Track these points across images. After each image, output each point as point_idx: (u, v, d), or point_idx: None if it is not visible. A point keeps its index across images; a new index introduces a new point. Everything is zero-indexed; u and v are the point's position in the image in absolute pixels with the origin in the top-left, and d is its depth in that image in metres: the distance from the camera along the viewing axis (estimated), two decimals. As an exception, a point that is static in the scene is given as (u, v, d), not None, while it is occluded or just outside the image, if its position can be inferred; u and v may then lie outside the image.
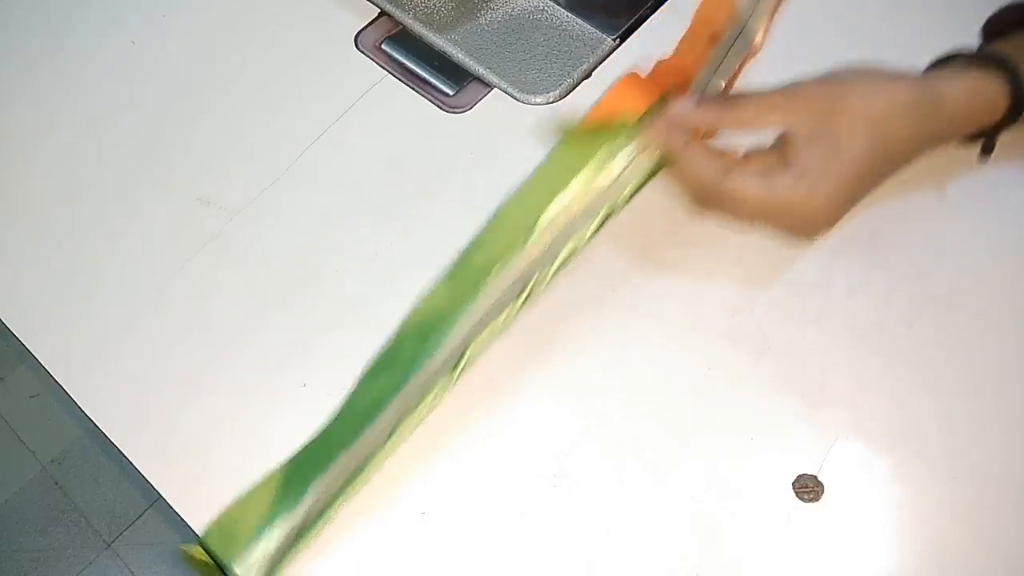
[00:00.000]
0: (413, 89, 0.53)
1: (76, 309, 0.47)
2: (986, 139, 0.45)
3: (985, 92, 0.42)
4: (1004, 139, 0.46)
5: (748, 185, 0.38)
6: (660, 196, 0.47)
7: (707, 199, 0.39)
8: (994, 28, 0.46)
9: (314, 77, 0.53)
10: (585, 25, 0.54)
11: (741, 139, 0.41)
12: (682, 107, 0.40)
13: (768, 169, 0.39)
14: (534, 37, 0.54)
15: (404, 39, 0.55)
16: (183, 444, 0.43)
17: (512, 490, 0.41)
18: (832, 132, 0.39)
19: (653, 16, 0.53)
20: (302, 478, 0.39)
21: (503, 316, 0.42)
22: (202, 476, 0.42)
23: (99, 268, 0.48)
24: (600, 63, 0.52)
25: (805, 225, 0.40)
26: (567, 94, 0.51)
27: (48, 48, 0.56)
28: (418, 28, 0.54)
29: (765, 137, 0.40)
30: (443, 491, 0.41)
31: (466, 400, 0.43)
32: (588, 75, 0.52)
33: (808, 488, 0.40)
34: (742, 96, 0.40)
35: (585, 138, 0.40)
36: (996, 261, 0.45)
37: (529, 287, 0.42)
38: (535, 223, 0.40)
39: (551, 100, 0.51)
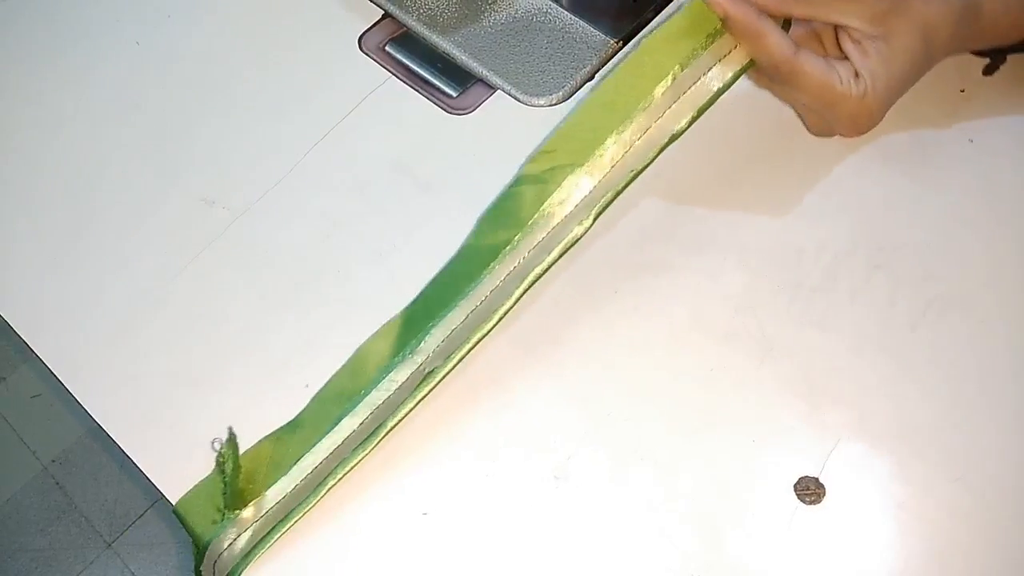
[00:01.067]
0: (417, 91, 0.53)
1: (79, 308, 0.48)
2: (992, 58, 0.47)
3: (1020, 8, 0.43)
4: (1005, 139, 0.46)
5: (815, 67, 0.41)
6: (664, 198, 0.48)
7: (777, 73, 0.42)
8: None
9: (317, 79, 0.54)
10: (588, 27, 0.54)
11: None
12: None
13: (830, 59, 0.42)
14: (537, 39, 0.54)
15: (407, 41, 0.55)
16: (186, 444, 0.43)
17: (514, 491, 0.41)
18: (891, 34, 0.41)
19: (656, 19, 0.54)
20: (287, 455, 0.39)
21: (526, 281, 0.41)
22: (204, 476, 0.42)
23: (103, 267, 0.49)
24: (603, 65, 0.52)
25: (852, 121, 0.43)
26: (570, 96, 0.52)
27: (52, 49, 0.57)
28: (421, 30, 0.55)
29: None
30: (444, 491, 0.41)
31: (467, 400, 0.43)
32: (591, 77, 0.52)
33: (810, 490, 0.40)
34: None
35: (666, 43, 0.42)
36: (1000, 264, 0.45)
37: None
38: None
39: (554, 102, 0.51)
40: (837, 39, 0.43)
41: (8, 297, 0.48)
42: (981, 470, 0.40)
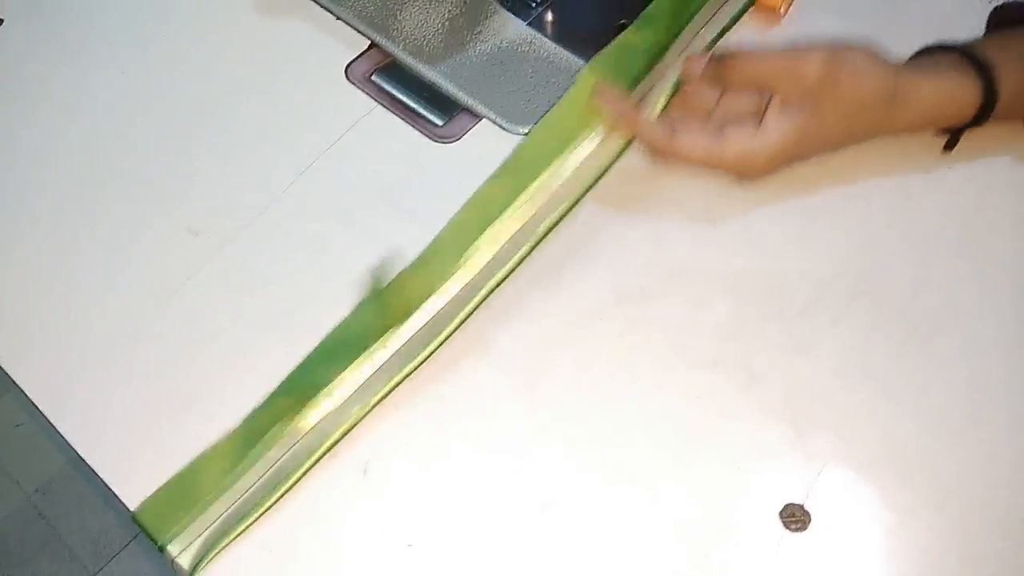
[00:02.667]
0: (403, 120, 0.53)
1: (63, 337, 0.47)
2: (952, 135, 0.47)
3: (958, 94, 0.44)
4: (984, 166, 0.47)
5: (694, 148, 0.44)
6: (649, 224, 0.48)
7: (657, 156, 0.46)
8: (998, 18, 0.48)
9: (304, 108, 0.54)
10: (572, 56, 0.55)
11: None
12: (691, 63, 0.45)
13: (719, 127, 0.44)
14: (522, 68, 0.54)
15: (394, 70, 0.55)
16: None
17: (500, 519, 0.41)
18: (818, 104, 0.43)
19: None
20: (243, 455, 0.40)
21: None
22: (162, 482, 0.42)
23: (87, 297, 0.48)
24: (587, 94, 0.53)
25: (746, 174, 0.46)
26: (555, 125, 0.52)
27: (40, 77, 0.57)
28: (408, 60, 0.55)
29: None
30: (430, 522, 0.41)
31: (452, 429, 0.43)
32: (575, 106, 0.53)
33: (795, 517, 0.40)
34: (745, 54, 0.44)
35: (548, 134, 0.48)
36: (981, 292, 0.45)
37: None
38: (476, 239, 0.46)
39: (539, 131, 0.52)
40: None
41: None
42: (966, 495, 0.40)
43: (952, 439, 0.42)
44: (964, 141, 0.47)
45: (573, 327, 0.45)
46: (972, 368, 0.43)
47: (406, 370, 0.43)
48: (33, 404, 0.45)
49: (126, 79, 0.56)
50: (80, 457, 0.44)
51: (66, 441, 0.44)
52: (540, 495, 0.41)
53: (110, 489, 0.43)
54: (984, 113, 0.44)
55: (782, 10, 0.53)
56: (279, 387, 0.44)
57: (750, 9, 0.54)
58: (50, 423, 0.45)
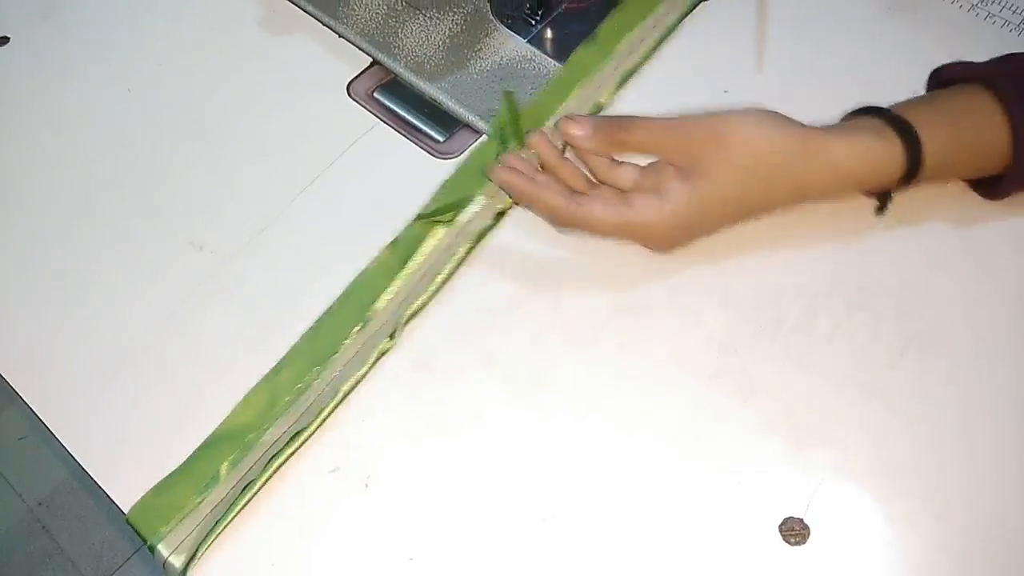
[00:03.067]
0: (404, 136, 0.54)
1: (66, 351, 0.48)
2: (880, 198, 0.46)
3: (880, 156, 0.43)
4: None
5: (596, 211, 0.43)
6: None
7: (562, 222, 0.45)
8: (937, 79, 0.48)
9: (307, 124, 0.55)
10: (572, 73, 0.55)
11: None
12: (575, 127, 0.44)
13: (624, 194, 0.44)
14: (522, 86, 0.55)
15: (395, 87, 0.56)
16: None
17: (501, 532, 0.41)
18: (709, 169, 0.42)
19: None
20: (223, 454, 0.43)
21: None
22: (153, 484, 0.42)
23: (90, 310, 0.49)
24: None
25: (656, 242, 0.45)
26: (554, 140, 0.53)
27: (46, 94, 0.57)
28: (409, 77, 0.56)
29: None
30: (431, 535, 0.41)
31: (452, 442, 0.43)
32: (575, 122, 0.53)
33: (794, 531, 0.40)
34: (630, 121, 0.43)
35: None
36: (975, 303, 0.45)
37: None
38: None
39: (539, 146, 0.52)
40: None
41: (-4, 341, 0.49)
42: (965, 507, 0.40)
43: (950, 450, 0.42)
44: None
45: (573, 341, 0.46)
46: (967, 380, 0.43)
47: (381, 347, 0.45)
48: (37, 416, 0.46)
49: (132, 96, 0.57)
50: (83, 469, 0.44)
51: (69, 452, 0.45)
52: (542, 508, 0.42)
53: (113, 502, 0.43)
54: (909, 176, 0.43)
55: None
56: (259, 383, 0.45)
57: None
58: (53, 435, 0.45)
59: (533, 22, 0.58)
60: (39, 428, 0.46)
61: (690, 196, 0.42)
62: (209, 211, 0.52)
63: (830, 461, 0.42)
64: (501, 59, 0.57)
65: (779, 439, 0.42)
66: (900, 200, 0.48)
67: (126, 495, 0.43)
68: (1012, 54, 0.46)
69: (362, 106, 0.55)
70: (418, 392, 0.45)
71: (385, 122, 0.54)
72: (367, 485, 0.42)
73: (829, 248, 0.47)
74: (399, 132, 0.54)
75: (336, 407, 0.44)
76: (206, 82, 0.57)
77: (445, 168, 0.52)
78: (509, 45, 0.57)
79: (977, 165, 0.45)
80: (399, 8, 0.59)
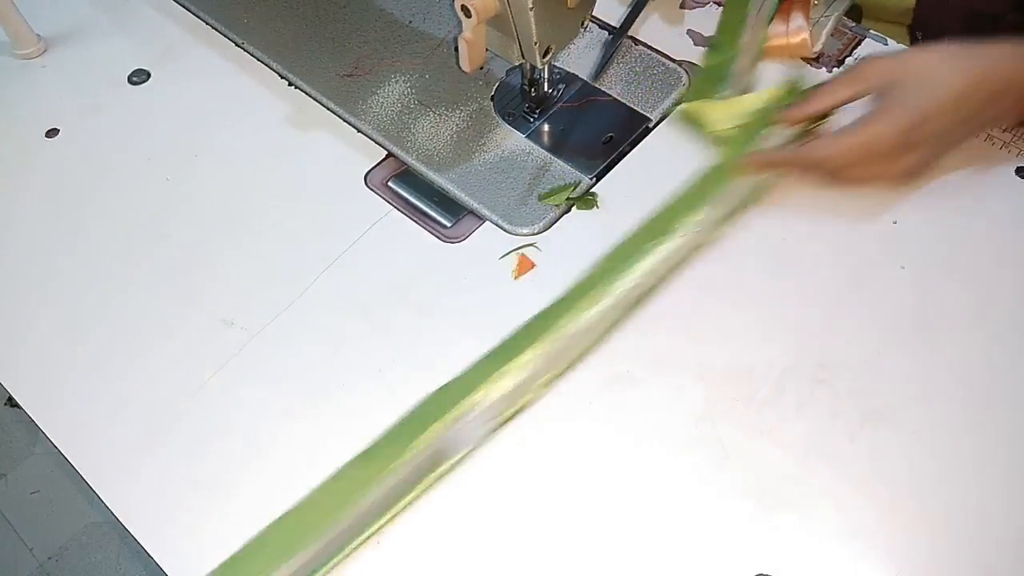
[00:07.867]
0: (415, 222, 0.60)
1: (108, 417, 0.53)
2: None
3: None
4: (935, 270, 0.53)
5: (830, 144, 0.50)
6: (632, 322, 0.54)
7: (825, 174, 0.51)
8: None
9: (328, 211, 0.61)
10: (566, 166, 0.62)
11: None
12: (788, 114, 0.54)
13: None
14: (521, 176, 0.61)
15: (408, 177, 0.62)
16: (203, 547, 0.47)
17: (500, 588, 0.46)
18: (893, 88, 0.49)
19: (626, 157, 0.61)
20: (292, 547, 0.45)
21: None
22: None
23: (130, 380, 0.54)
24: (579, 199, 0.60)
25: (894, 156, 0.50)
26: (549, 227, 0.59)
27: (92, 183, 0.64)
28: (420, 168, 0.62)
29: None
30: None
31: (446, 511, 0.48)
32: (568, 210, 0.59)
33: (764, 587, 0.45)
34: (814, 97, 0.53)
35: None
36: (928, 380, 0.50)
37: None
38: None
39: (535, 231, 0.58)
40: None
41: (41, 406, 0.54)
42: (924, 569, 0.45)
43: (904, 517, 0.46)
44: (917, 239, 0.53)
45: (561, 412, 0.51)
46: (917, 453, 0.48)
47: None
48: (84, 480, 0.50)
49: (170, 185, 0.63)
50: (95, 524, 0.48)
51: (81, 508, 0.49)
52: (526, 569, 0.46)
53: (123, 556, 0.47)
54: None
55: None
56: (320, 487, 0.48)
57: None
58: (70, 488, 0.49)
59: (531, 119, 0.65)
60: (52, 482, 0.50)
61: (903, 99, 0.48)
62: (239, 291, 0.57)
63: (795, 523, 0.46)
64: (503, 152, 0.63)
65: (750, 502, 0.47)
66: (858, 282, 0.53)
67: (165, 553, 0.47)
68: None
69: (377, 194, 0.61)
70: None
71: (398, 209, 0.60)
72: None
73: (793, 329, 0.53)
74: (410, 218, 0.60)
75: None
76: (238, 173, 0.63)
77: (451, 251, 0.58)
78: (510, 139, 0.64)
79: None
80: (412, 105, 0.66)
